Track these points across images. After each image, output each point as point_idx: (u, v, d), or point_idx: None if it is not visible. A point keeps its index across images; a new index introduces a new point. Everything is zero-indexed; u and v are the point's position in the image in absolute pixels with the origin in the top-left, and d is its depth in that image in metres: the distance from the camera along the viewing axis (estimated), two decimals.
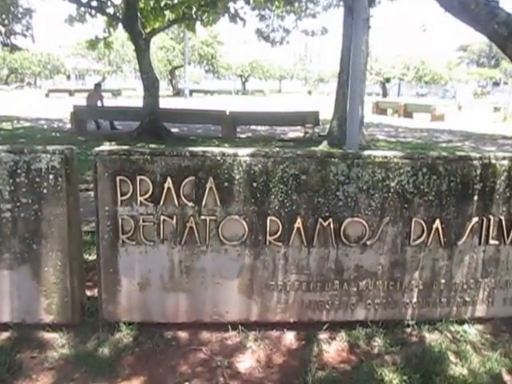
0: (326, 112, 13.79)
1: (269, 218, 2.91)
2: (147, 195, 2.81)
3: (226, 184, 2.86)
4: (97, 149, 2.82)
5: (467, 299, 3.12)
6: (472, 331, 3.10)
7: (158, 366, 2.73)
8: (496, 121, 21.46)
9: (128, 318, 2.99)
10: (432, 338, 3.02)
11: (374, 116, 23.58)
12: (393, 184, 2.90)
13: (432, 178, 2.92)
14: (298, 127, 14.34)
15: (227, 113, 13.89)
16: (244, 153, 2.88)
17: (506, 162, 2.98)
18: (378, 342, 2.97)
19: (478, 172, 2.95)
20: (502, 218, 3.01)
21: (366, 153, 2.96)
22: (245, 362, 2.80)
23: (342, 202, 2.91)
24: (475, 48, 50.05)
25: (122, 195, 2.79)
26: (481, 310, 3.15)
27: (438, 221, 2.95)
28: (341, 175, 2.88)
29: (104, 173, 2.76)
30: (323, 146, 11.66)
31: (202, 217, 2.89)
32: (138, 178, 2.78)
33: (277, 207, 2.90)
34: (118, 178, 2.76)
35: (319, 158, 2.90)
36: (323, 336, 3.04)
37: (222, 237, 2.92)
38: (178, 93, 43.50)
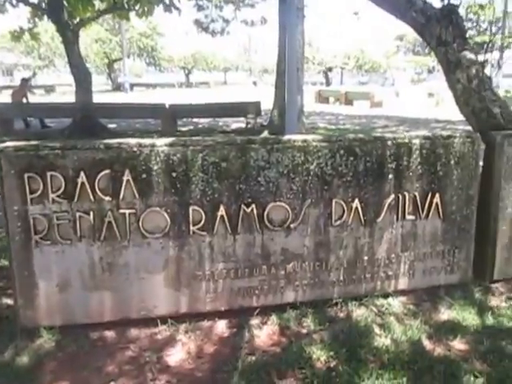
0: (270, 102, 13.96)
1: (191, 208, 2.92)
2: (60, 192, 2.73)
3: (144, 175, 2.83)
4: (1, 145, 2.70)
5: (390, 273, 3.30)
6: (396, 303, 3.28)
7: (82, 368, 2.67)
8: (430, 106, 22.70)
9: (49, 322, 2.91)
10: (358, 313, 3.17)
11: (317, 104, 24.30)
12: (312, 167, 3.00)
13: (349, 159, 3.04)
14: (241, 118, 14.36)
15: (167, 106, 13.63)
16: (162, 143, 2.87)
17: (417, 141, 3.16)
18: (308, 322, 3.07)
19: (392, 151, 3.11)
20: (417, 194, 3.20)
21: (286, 137, 3.04)
22: (175, 355, 2.81)
23: (264, 188, 2.97)
24: (410, 37, 52.36)
25: (31, 193, 2.69)
26: (403, 283, 3.34)
27: (357, 200, 3.09)
28: (261, 161, 2.94)
29: (10, 170, 2.65)
30: (264, 136, 11.78)
31: (121, 211, 2.85)
32: (49, 174, 2.69)
33: (198, 196, 2.91)
34: (26, 176, 2.66)
35: (239, 144, 2.94)
36: (254, 321, 3.11)
37: (144, 230, 2.90)
38: (117, 87, 42.07)
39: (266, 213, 3.00)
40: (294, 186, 3.00)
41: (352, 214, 3.11)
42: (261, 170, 2.95)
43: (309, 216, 3.06)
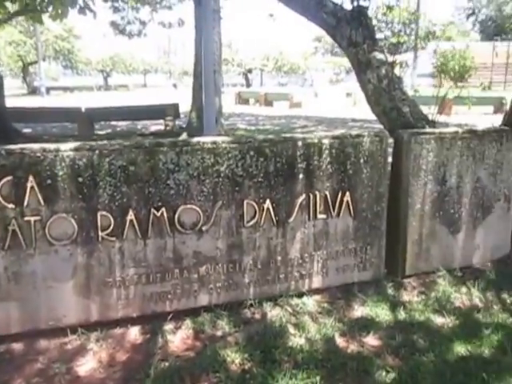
0: (190, 104, 14.20)
1: (99, 213, 3.01)
2: None
3: (49, 181, 2.90)
4: None
5: (304, 273, 3.52)
6: (310, 302, 3.50)
7: None
8: (348, 105, 24.02)
9: None
10: (273, 313, 3.37)
11: (237, 106, 25.29)
12: (223, 168, 3.17)
13: (260, 160, 3.24)
14: (161, 121, 14.52)
15: (83, 109, 13.52)
16: (67, 147, 2.95)
17: (327, 141, 3.40)
18: (222, 325, 3.23)
19: (302, 152, 3.33)
20: (327, 193, 3.43)
21: (195, 139, 3.20)
22: (85, 365, 2.89)
23: (174, 191, 3.11)
24: (328, 39, 54.43)
25: None
26: (317, 282, 3.57)
27: (268, 201, 3.29)
28: (170, 163, 3.08)
29: None
30: (182, 138, 11.90)
31: (26, 218, 2.91)
32: None
33: (107, 201, 3.01)
34: None
35: (147, 147, 3.06)
36: (168, 326, 3.23)
37: (50, 237, 2.96)
38: (33, 91, 41.03)
39: (176, 216, 3.13)
40: (205, 188, 3.16)
41: (264, 215, 3.30)
42: (170, 173, 3.08)
43: (220, 218, 3.22)
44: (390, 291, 3.67)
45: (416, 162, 3.65)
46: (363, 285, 3.69)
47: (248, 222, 3.29)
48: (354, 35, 4.66)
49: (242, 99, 27.58)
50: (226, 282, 3.34)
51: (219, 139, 3.21)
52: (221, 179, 3.18)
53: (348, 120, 17.07)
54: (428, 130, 3.90)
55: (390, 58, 4.63)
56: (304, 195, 3.38)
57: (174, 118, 13.79)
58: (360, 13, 4.79)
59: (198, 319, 3.28)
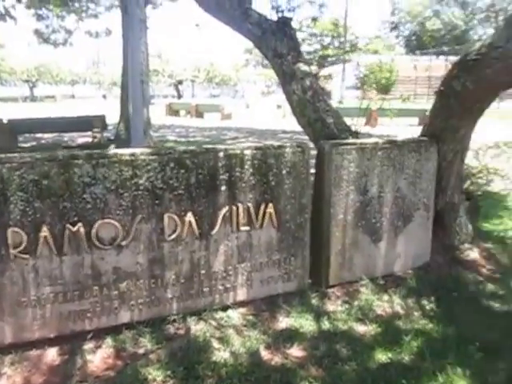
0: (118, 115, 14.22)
1: (10, 230, 2.94)
2: None
3: None
4: None
5: (228, 286, 3.56)
6: (235, 315, 3.55)
7: None
8: (278, 117, 24.92)
9: None
10: (197, 328, 3.39)
11: (168, 117, 25.67)
12: (142, 181, 3.18)
13: (180, 171, 3.27)
14: (89, 133, 14.35)
15: (4, 121, 13.10)
16: None
17: (249, 152, 3.48)
18: (144, 342, 3.22)
19: (224, 163, 3.40)
20: (250, 204, 3.51)
21: (112, 152, 3.19)
22: None
23: (91, 205, 3.09)
24: (258, 51, 56.36)
25: None
26: (242, 294, 3.63)
27: (190, 213, 3.32)
28: (86, 177, 3.06)
29: None
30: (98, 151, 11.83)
31: None
32: None
33: (18, 217, 2.95)
34: None
35: (61, 160, 3.03)
36: (88, 346, 3.19)
37: None
38: None
39: (94, 231, 3.11)
40: (124, 202, 3.15)
41: (186, 228, 3.33)
42: (86, 187, 3.06)
43: (141, 232, 3.22)
44: (315, 301, 3.78)
45: (338, 172, 3.80)
46: (288, 296, 3.78)
47: (169, 235, 3.31)
48: (278, 46, 4.81)
49: (173, 110, 27.90)
50: (148, 298, 3.34)
51: (138, 151, 3.22)
52: (140, 192, 3.19)
53: (278, 131, 17.63)
54: (349, 140, 4.07)
55: (319, 70, 4.83)
56: (227, 207, 3.44)
57: (102, 129, 13.74)
58: (285, 24, 4.95)
59: (119, 337, 3.25)
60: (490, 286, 4.13)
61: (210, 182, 3.37)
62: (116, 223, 3.15)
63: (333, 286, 3.97)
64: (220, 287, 3.54)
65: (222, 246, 3.48)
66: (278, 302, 3.71)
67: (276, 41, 4.81)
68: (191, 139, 15.57)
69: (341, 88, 38.19)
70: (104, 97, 53.16)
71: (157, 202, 3.24)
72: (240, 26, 5.03)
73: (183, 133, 17.84)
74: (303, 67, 4.74)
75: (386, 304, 3.79)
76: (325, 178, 3.83)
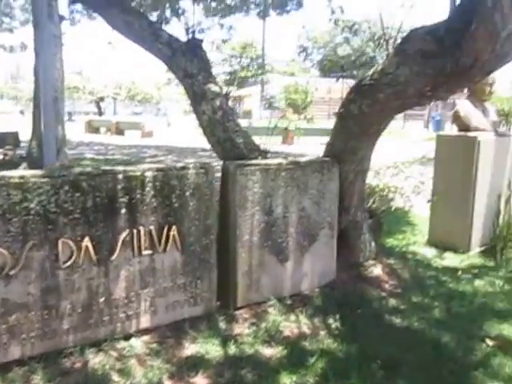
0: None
1: None
2: None
3: None
4: None
5: (130, 313, 3.39)
6: (138, 344, 3.37)
7: None
8: (199, 135, 24.63)
9: None
10: (96, 361, 3.17)
11: (87, 135, 25.59)
12: (33, 205, 2.96)
13: (75, 195, 3.09)
14: (0, 150, 13.67)
15: None
16: None
17: (150, 174, 3.37)
18: (37, 379, 2.97)
19: (124, 185, 3.26)
20: (152, 227, 3.38)
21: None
22: None
23: None
24: None
25: None
26: (145, 321, 3.47)
27: (87, 238, 3.14)
28: None
29: None
30: (22, 168, 11.30)
31: None
32: None
33: None
34: None
35: None
36: None
37: None
38: None
39: None
40: (12, 228, 2.92)
41: (83, 254, 3.14)
42: None
43: (32, 260, 3.00)
44: (222, 325, 3.68)
45: (242, 193, 3.77)
46: (195, 320, 3.66)
47: (64, 262, 3.10)
48: (189, 66, 4.81)
49: (93, 128, 27.82)
50: (41, 331, 3.09)
51: (28, 173, 3.01)
52: (31, 217, 2.97)
53: (198, 149, 17.48)
54: (254, 161, 4.06)
55: (229, 91, 4.87)
56: (127, 231, 3.29)
57: (14, 146, 13.30)
58: (195, 45, 4.97)
59: (8, 375, 2.97)
60: (392, 302, 4.24)
61: (108, 206, 3.21)
62: (4, 251, 2.90)
63: (241, 308, 3.89)
64: (122, 315, 3.36)
65: (123, 272, 3.32)
66: (184, 328, 3.58)
67: (186, 61, 4.79)
68: (110, 157, 15.16)
69: (259, 108, 39.26)
70: (21, 112, 50.88)
71: (50, 227, 3.03)
72: (150, 46, 4.98)
73: (102, 150, 17.39)
74: (214, 88, 4.74)
75: (293, 324, 3.77)
76: (230, 199, 3.79)
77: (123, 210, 3.27)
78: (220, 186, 3.90)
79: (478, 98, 5.99)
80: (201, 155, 15.92)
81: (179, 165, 3.57)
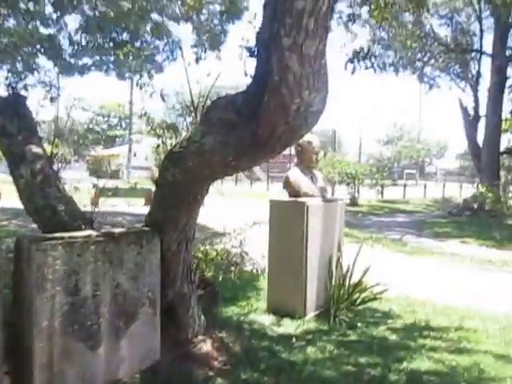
0: None
1: None
2: None
3: None
4: None
5: None
6: None
7: None
8: None
9: None
10: None
11: None
12: None
13: None
14: None
15: None
16: None
17: None
18: None
19: None
20: None
21: None
22: None
23: None
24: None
25: None
26: None
27: None
28: None
29: None
30: None
31: None
32: None
33: None
34: None
35: None
36: None
37: None
38: None
39: None
40: None
41: None
42: None
43: None
44: None
45: (40, 272, 3.25)
46: None
47: None
48: (8, 125, 4.31)
49: None
50: None
51: None
52: None
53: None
54: (56, 234, 3.56)
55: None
56: None
57: None
58: (16, 101, 4.49)
59: None
60: (219, 381, 3.92)
61: None
62: None
63: None
64: None
65: None
66: None
67: (5, 119, 4.27)
68: None
69: (126, 168, 38.15)
70: None
71: None
72: None
73: None
74: (35, 149, 4.26)
75: None
76: (24, 280, 3.26)
77: None
78: (13, 265, 3.36)
79: (306, 165, 6.15)
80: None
81: None
